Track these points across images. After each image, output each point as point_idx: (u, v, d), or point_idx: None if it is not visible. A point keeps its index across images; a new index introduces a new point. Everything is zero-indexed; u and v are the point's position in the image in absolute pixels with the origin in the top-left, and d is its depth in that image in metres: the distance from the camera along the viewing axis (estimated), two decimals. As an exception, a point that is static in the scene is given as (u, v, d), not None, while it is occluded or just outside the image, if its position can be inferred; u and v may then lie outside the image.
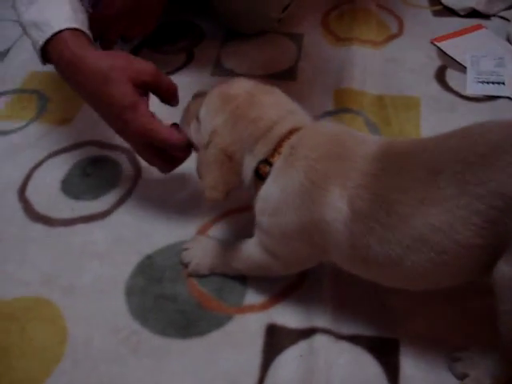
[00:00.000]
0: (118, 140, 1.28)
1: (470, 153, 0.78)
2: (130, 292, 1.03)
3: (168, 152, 1.03)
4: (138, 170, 1.25)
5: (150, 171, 1.22)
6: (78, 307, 1.02)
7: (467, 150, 0.79)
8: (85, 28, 1.07)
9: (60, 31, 1.03)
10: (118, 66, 1.01)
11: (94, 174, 1.24)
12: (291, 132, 0.91)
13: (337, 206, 0.84)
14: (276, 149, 0.90)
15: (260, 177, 0.92)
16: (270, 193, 0.90)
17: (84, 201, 1.19)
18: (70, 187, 1.22)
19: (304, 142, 0.89)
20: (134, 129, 1.01)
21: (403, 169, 0.83)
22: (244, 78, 0.99)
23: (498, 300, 0.82)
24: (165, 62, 1.51)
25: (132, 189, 1.21)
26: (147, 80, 1.03)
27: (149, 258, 1.08)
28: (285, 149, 0.90)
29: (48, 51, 1.05)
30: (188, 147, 1.03)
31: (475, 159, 0.77)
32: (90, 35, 1.08)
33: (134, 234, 1.12)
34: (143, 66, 1.03)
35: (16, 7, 1.10)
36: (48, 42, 1.04)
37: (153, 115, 1.01)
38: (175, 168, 1.08)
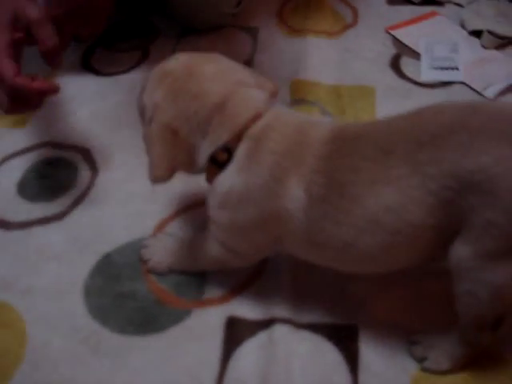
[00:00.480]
0: (74, 141, 1.28)
1: (422, 132, 0.78)
2: (89, 292, 1.03)
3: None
4: (94, 169, 1.24)
5: (107, 171, 1.23)
6: (37, 309, 1.01)
7: (419, 129, 0.79)
8: None
9: None
10: None
11: (50, 176, 1.23)
12: (253, 119, 0.87)
13: (296, 194, 0.84)
14: (238, 136, 0.87)
15: (216, 163, 0.89)
16: (231, 186, 0.87)
17: (40, 203, 1.18)
18: (26, 190, 1.20)
19: (270, 136, 0.86)
20: None
21: (355, 150, 0.82)
22: (184, 53, 0.95)
23: (456, 281, 0.82)
24: (120, 61, 1.51)
25: (89, 189, 1.20)
26: (27, 21, 1.01)
27: (107, 256, 1.07)
28: (248, 139, 0.86)
29: None
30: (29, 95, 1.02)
31: (427, 139, 0.77)
32: None
33: (92, 233, 1.12)
34: (31, 6, 1.02)
35: None
36: None
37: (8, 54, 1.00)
38: (17, 111, 1.07)
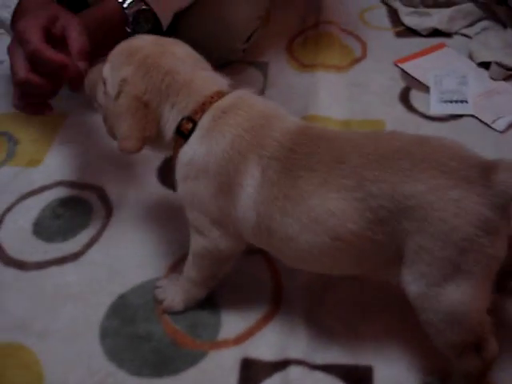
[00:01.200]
0: (88, 179, 1.30)
1: (373, 152, 0.83)
2: (105, 333, 1.03)
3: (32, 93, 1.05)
4: (108, 209, 1.25)
5: (121, 210, 1.24)
6: (53, 351, 1.02)
7: (372, 149, 0.84)
8: None
9: None
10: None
11: (65, 215, 1.24)
12: (218, 94, 0.93)
13: (252, 172, 0.88)
14: (202, 107, 0.92)
15: (182, 134, 0.93)
16: (193, 154, 0.92)
17: (56, 243, 1.19)
18: (42, 229, 1.22)
19: (236, 112, 0.91)
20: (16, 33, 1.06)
21: (314, 150, 0.87)
22: (145, 35, 1.01)
23: (416, 311, 0.85)
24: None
25: (103, 228, 1.21)
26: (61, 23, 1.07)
27: (122, 297, 1.08)
28: (213, 111, 0.91)
29: None
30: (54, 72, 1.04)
31: (376, 158, 0.82)
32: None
33: (107, 273, 1.13)
34: (69, 17, 1.09)
35: None
36: None
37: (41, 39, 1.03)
38: (29, 108, 1.10)
